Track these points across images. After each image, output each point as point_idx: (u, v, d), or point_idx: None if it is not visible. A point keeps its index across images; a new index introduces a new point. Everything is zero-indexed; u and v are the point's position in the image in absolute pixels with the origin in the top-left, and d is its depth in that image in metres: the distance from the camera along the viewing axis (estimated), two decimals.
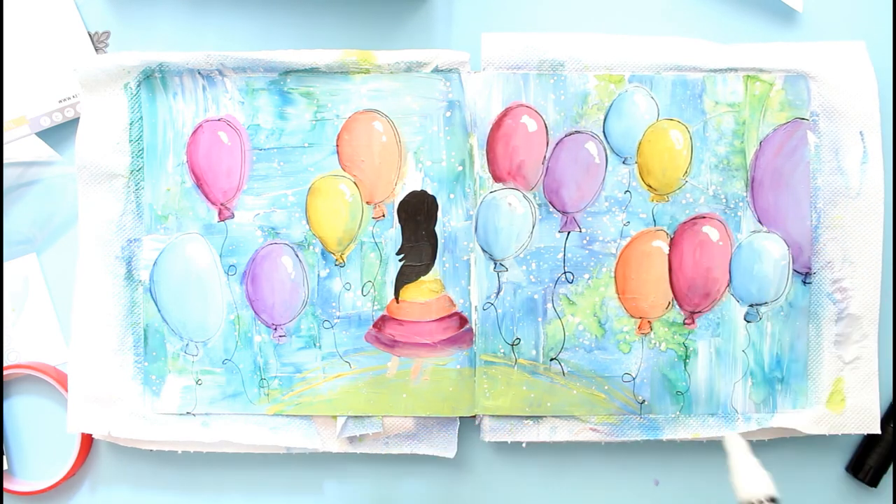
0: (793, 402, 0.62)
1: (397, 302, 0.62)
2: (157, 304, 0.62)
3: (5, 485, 0.63)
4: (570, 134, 0.62)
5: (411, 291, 0.62)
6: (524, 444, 0.63)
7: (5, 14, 0.64)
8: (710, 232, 0.62)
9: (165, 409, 0.62)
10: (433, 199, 0.62)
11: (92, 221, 0.62)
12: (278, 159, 0.62)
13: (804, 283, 0.62)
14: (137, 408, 0.62)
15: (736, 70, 0.62)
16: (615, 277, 0.62)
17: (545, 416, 0.62)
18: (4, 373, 0.63)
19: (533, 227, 0.62)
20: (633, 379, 0.62)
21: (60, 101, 0.64)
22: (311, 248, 0.62)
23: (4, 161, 0.64)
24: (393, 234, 0.62)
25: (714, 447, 0.64)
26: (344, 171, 0.62)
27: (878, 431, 0.62)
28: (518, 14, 0.65)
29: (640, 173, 0.62)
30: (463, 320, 0.62)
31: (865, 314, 0.62)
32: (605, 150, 0.62)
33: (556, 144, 0.62)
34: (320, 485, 0.64)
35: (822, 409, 0.62)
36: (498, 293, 0.62)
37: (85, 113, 0.62)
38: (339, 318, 0.62)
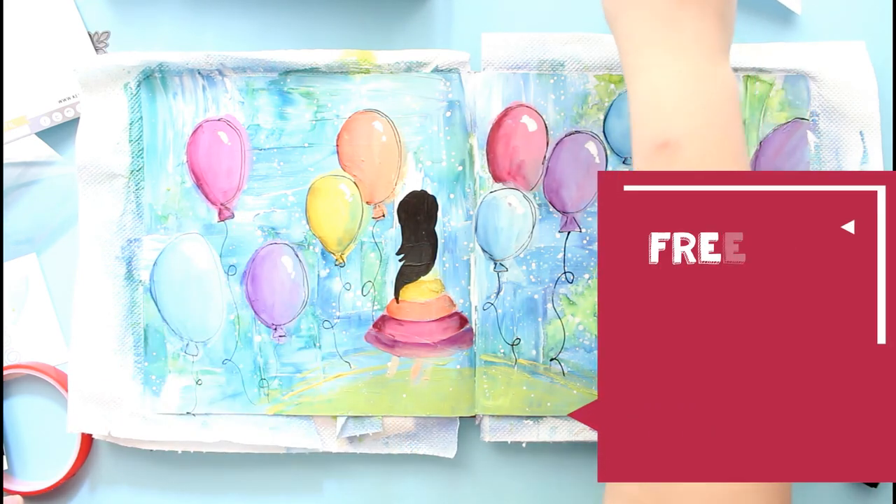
0: None
1: (397, 302, 0.62)
2: (157, 305, 0.62)
3: (5, 485, 0.63)
4: (570, 134, 0.62)
5: (411, 291, 0.62)
6: (524, 444, 0.63)
7: (5, 14, 0.64)
8: None
9: (165, 410, 0.62)
10: (433, 199, 0.62)
11: (92, 221, 0.62)
12: (278, 159, 0.62)
13: None
14: (137, 408, 0.62)
15: (736, 70, 0.62)
16: None
17: (545, 416, 0.62)
18: (4, 373, 0.63)
19: (533, 227, 0.62)
20: None
21: (60, 101, 0.64)
22: (311, 248, 0.62)
23: (4, 161, 0.64)
24: (393, 234, 0.62)
25: None
26: (344, 171, 0.62)
27: None
28: (518, 14, 0.65)
29: None
30: (463, 320, 0.62)
31: None
32: (605, 150, 0.62)
33: (556, 144, 0.62)
34: (320, 485, 0.64)
35: None
36: (498, 293, 0.62)
37: (85, 113, 0.62)
38: (339, 318, 0.62)
